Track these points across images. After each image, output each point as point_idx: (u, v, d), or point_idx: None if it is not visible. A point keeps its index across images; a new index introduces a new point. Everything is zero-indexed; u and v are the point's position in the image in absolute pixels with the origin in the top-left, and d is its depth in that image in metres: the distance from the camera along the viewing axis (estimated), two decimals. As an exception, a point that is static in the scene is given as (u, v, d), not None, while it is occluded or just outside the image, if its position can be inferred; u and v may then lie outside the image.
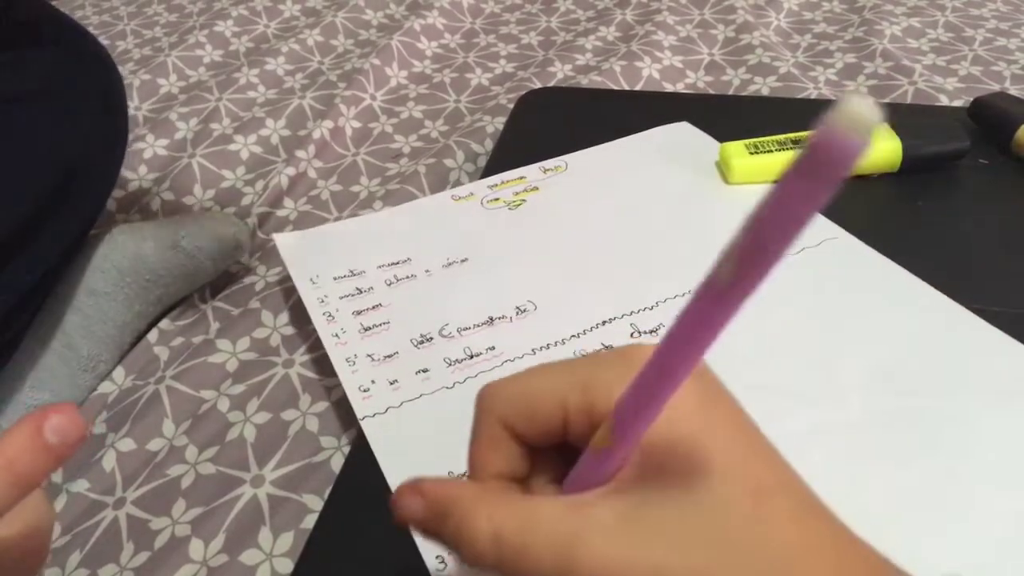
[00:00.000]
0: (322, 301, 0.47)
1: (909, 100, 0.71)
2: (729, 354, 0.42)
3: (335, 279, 0.49)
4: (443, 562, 0.33)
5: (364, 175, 0.70)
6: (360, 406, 0.41)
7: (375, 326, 0.45)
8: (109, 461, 0.46)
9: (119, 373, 0.53)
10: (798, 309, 0.43)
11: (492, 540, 0.23)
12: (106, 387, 0.52)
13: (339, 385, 0.47)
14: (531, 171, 0.57)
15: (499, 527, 0.23)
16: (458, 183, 0.66)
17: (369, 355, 0.44)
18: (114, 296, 0.53)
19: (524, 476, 0.27)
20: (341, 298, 0.47)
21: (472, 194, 0.55)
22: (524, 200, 0.54)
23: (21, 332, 0.50)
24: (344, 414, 0.46)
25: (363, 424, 0.40)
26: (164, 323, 0.56)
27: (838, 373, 0.40)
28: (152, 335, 0.55)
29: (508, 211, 0.53)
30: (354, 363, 0.43)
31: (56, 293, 0.52)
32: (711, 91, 0.77)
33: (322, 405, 0.47)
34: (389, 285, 0.48)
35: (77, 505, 0.44)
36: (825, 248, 0.47)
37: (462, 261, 0.49)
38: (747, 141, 0.55)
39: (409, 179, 0.66)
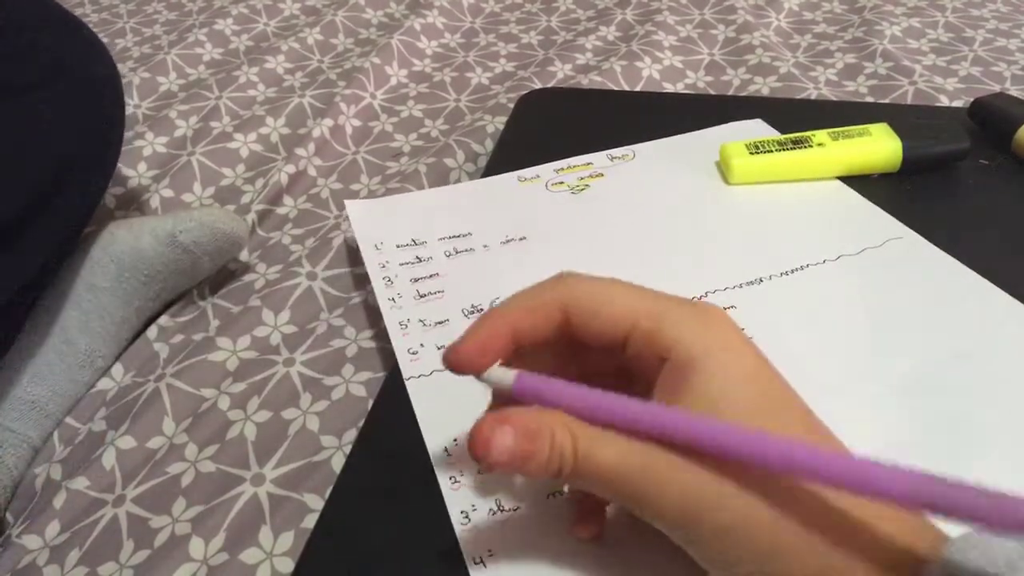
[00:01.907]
0: (383, 266, 0.49)
1: (909, 100, 0.71)
2: (774, 348, 0.42)
3: (398, 247, 0.51)
4: (467, 518, 0.34)
5: (364, 173, 0.70)
6: (407, 367, 0.42)
7: (430, 293, 0.47)
8: (109, 459, 0.46)
9: (118, 370, 0.53)
10: (853, 307, 0.43)
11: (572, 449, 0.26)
12: (105, 384, 0.52)
13: (340, 384, 0.48)
14: (598, 157, 0.58)
15: (575, 435, 0.26)
16: (458, 183, 0.66)
17: (421, 320, 0.45)
18: (112, 291, 0.53)
19: (520, 352, 0.30)
20: (401, 265, 0.50)
21: (538, 176, 0.57)
22: (588, 185, 0.55)
23: (18, 325, 0.49)
24: (345, 413, 0.46)
25: (408, 384, 0.41)
26: (164, 319, 0.56)
27: (886, 373, 0.39)
28: (152, 331, 0.55)
29: (571, 195, 0.55)
30: (406, 326, 0.45)
31: (54, 288, 0.52)
32: (711, 91, 0.77)
33: (323, 404, 0.47)
34: (448, 256, 0.50)
35: (76, 503, 0.44)
36: (889, 248, 0.47)
37: (520, 239, 0.51)
38: (747, 141, 0.55)
39: (409, 178, 0.66)
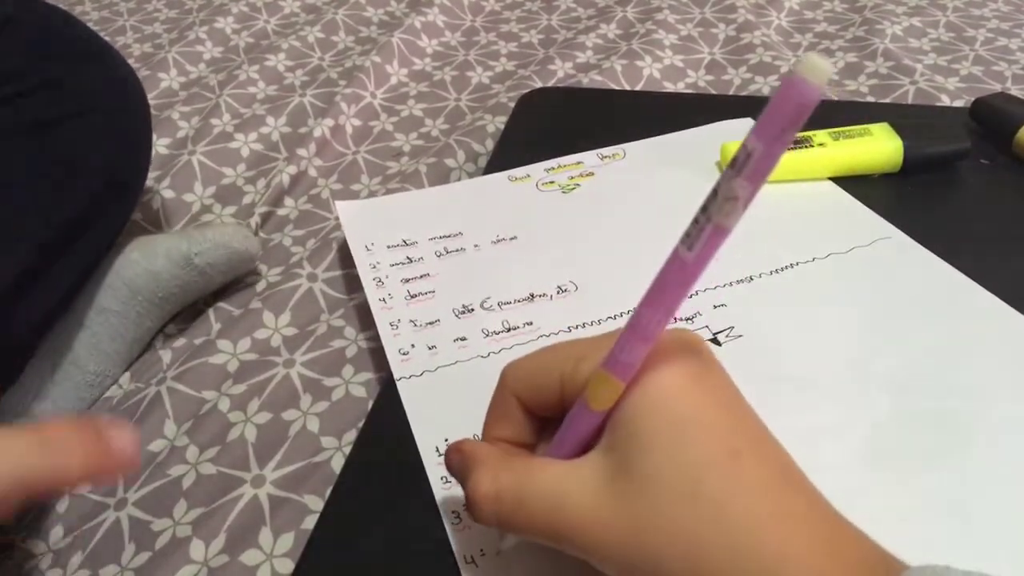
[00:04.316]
0: (374, 267, 0.50)
1: (910, 100, 0.71)
2: (763, 345, 0.42)
3: (388, 247, 0.51)
4: (459, 518, 0.34)
5: (365, 173, 0.70)
6: (398, 368, 0.42)
7: (421, 294, 0.47)
8: (110, 461, 0.46)
9: (124, 377, 0.53)
10: (841, 306, 0.43)
11: (493, 500, 0.26)
12: (112, 391, 0.52)
13: (340, 385, 0.48)
14: (588, 157, 0.58)
15: (500, 488, 0.26)
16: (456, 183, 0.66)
17: (412, 320, 0.45)
18: (124, 314, 0.52)
19: (532, 444, 0.30)
20: (392, 265, 0.50)
21: (528, 176, 0.57)
22: (578, 185, 0.55)
23: (33, 349, 0.49)
24: (345, 414, 0.46)
25: (399, 384, 0.41)
26: (169, 327, 0.56)
27: (872, 372, 0.40)
28: (157, 340, 0.55)
29: (561, 194, 0.55)
30: (397, 327, 0.45)
31: (66, 311, 0.52)
32: (712, 90, 0.77)
33: (323, 405, 0.47)
34: (439, 256, 0.50)
35: (79, 506, 0.44)
36: (877, 248, 0.47)
37: (511, 239, 0.51)
38: (748, 141, 0.55)
39: (409, 178, 0.66)
